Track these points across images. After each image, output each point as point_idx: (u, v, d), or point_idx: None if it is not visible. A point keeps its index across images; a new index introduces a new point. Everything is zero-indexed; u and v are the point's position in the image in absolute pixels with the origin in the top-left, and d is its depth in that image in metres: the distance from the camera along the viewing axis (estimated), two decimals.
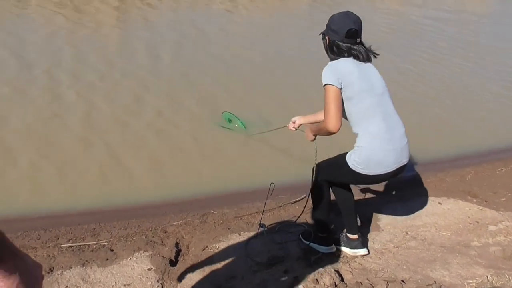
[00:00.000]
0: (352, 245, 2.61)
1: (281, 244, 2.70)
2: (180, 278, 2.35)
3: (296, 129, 2.93)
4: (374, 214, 3.15)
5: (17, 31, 6.66)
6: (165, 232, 2.88)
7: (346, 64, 2.29)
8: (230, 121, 4.43)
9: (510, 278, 2.30)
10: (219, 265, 2.47)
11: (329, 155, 2.54)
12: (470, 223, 3.01)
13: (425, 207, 3.27)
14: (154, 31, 7.43)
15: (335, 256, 2.61)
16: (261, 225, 2.81)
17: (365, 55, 2.34)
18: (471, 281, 2.33)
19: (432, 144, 4.50)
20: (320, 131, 2.36)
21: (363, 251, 2.61)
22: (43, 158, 3.61)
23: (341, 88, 2.24)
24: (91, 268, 2.37)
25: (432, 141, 4.61)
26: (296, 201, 3.37)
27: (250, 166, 3.95)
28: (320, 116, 2.61)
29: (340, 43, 2.31)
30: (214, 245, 2.70)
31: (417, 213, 3.18)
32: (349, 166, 2.32)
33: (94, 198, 3.27)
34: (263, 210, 2.76)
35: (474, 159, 4.43)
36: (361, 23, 2.36)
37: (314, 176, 2.56)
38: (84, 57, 5.83)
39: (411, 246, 2.71)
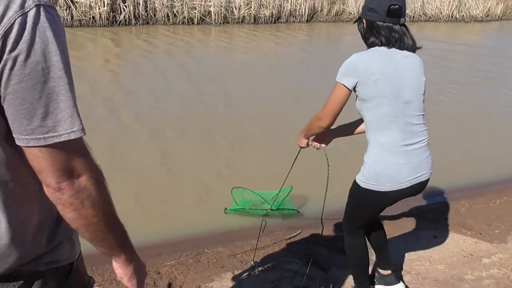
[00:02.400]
0: (386, 281, 2.48)
1: (274, 282, 2.68)
2: None
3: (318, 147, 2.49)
4: (369, 248, 3.13)
5: None
6: (158, 273, 2.86)
7: (371, 61, 1.97)
8: (243, 201, 3.67)
9: None
10: None
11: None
12: (464, 256, 3.00)
13: (420, 241, 3.26)
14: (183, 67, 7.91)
15: None
16: (254, 263, 2.81)
17: (408, 41, 2.01)
18: None
19: None
20: (312, 125, 2.18)
21: (399, 286, 2.46)
22: None
23: (354, 88, 1.98)
24: None
25: None
26: (291, 237, 3.36)
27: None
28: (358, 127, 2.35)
29: (380, 24, 1.97)
30: (207, 284, 2.68)
31: (412, 246, 3.17)
32: (361, 187, 2.10)
33: (86, 241, 3.26)
34: (256, 248, 2.77)
35: (468, 191, 4.45)
36: (403, 1, 2.00)
37: (344, 233, 2.40)
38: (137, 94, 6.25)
39: (405, 280, 2.69)
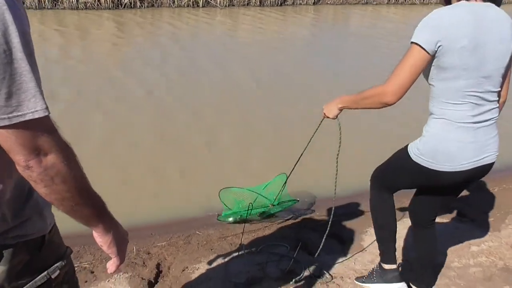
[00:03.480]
0: (387, 277, 2.27)
1: (261, 265, 2.70)
2: None
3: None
4: (358, 234, 3.14)
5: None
6: (148, 254, 2.89)
7: (460, 19, 1.60)
8: (236, 201, 3.20)
9: None
10: (196, 286, 2.48)
11: None
12: (455, 244, 2.98)
13: (410, 227, 3.24)
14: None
15: (315, 278, 2.60)
16: (242, 246, 2.82)
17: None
18: None
19: None
20: (368, 99, 1.77)
21: (399, 285, 2.25)
22: None
23: (435, 53, 1.63)
24: None
25: None
26: (282, 222, 3.37)
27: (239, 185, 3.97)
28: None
29: None
30: (194, 266, 2.71)
31: (403, 233, 3.14)
32: (411, 159, 1.85)
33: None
34: (243, 232, 2.78)
35: None
36: None
37: (370, 187, 2.19)
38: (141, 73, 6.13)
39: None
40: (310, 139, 2.59)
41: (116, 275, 2.57)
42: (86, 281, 2.51)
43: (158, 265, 2.75)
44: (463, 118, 1.73)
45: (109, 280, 2.51)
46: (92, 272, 2.63)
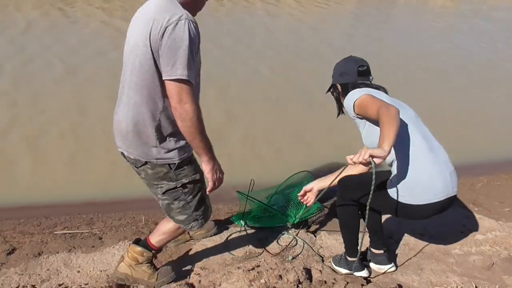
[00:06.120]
0: (377, 260, 2.47)
1: (261, 240, 2.76)
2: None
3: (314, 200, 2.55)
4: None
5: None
6: (156, 224, 3.01)
7: (369, 89, 2.14)
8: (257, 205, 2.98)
9: None
10: (196, 257, 2.58)
11: None
12: (462, 232, 2.92)
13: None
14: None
15: (313, 256, 2.64)
16: (245, 220, 2.89)
17: (383, 90, 2.21)
18: None
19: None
20: (392, 120, 1.82)
21: (388, 267, 2.45)
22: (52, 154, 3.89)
23: None
24: (75, 254, 2.55)
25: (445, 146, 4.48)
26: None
27: (253, 162, 4.05)
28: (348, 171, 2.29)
29: (356, 84, 2.19)
30: (197, 238, 2.80)
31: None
32: (389, 195, 2.08)
33: (98, 190, 3.47)
34: (245, 208, 2.84)
35: (489, 167, 4.25)
36: (367, 63, 2.25)
37: (339, 192, 2.36)
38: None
39: (390, 250, 2.68)
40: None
41: (121, 243, 2.70)
42: (93, 246, 2.67)
43: None
44: (422, 150, 2.01)
45: (114, 247, 2.65)
46: (101, 238, 2.78)
